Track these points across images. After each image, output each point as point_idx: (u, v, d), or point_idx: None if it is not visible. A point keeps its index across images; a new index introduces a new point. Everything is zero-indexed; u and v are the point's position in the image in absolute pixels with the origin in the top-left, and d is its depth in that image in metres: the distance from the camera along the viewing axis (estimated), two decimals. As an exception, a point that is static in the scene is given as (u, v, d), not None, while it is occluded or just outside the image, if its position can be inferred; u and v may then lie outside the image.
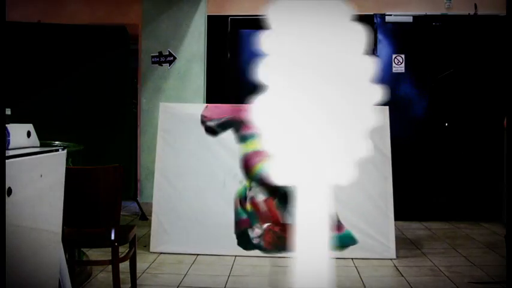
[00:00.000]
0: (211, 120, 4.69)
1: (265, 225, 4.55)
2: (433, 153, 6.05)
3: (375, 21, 6.02)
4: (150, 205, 4.99)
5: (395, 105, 5.33)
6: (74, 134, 4.93)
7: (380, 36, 6.03)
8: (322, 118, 0.67)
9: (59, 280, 2.69)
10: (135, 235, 3.50)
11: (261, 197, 4.59)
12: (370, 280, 3.89)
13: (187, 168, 4.68)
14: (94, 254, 4.22)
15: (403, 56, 6.01)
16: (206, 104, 5.48)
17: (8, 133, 2.32)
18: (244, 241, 4.54)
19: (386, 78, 5.87)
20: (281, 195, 4.58)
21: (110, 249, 3.21)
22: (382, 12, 6.09)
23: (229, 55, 6.47)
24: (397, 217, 4.75)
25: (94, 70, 5.93)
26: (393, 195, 4.54)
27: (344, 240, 4.42)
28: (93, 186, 3.24)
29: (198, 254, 4.51)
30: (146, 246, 4.67)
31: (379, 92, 0.68)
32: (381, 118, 4.47)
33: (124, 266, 3.41)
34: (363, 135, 0.68)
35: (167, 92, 6.22)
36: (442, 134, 6.06)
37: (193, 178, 4.66)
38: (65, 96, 5.84)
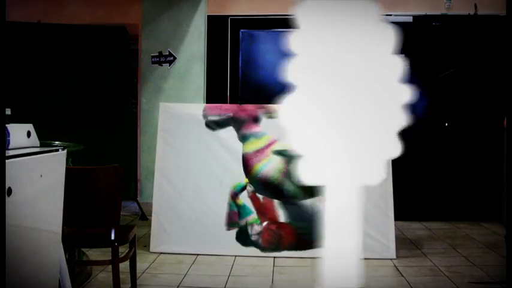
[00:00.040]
0: (212, 115, 4.69)
1: (264, 224, 4.56)
2: (433, 153, 6.05)
3: (375, 21, 6.01)
4: (150, 205, 4.99)
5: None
6: (74, 134, 4.93)
7: (380, 36, 6.02)
8: (350, 118, 0.66)
9: (59, 280, 2.69)
10: (135, 235, 3.50)
11: (260, 195, 4.59)
12: (370, 280, 3.89)
13: (187, 168, 4.68)
14: (94, 254, 4.22)
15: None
16: (206, 104, 5.49)
17: (8, 133, 2.32)
18: (243, 237, 4.55)
19: (386, 78, 5.86)
20: (280, 195, 4.58)
21: (110, 249, 3.21)
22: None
23: (229, 55, 6.47)
24: (397, 217, 4.75)
25: (94, 70, 5.93)
26: (393, 195, 4.54)
27: None
28: (93, 186, 3.24)
29: (198, 254, 4.51)
30: (146, 246, 4.67)
31: (407, 92, 0.68)
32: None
33: (124, 266, 3.41)
34: (390, 135, 0.67)
35: (167, 92, 6.21)
36: (442, 134, 6.06)
37: (193, 178, 4.66)
38: (65, 96, 5.83)
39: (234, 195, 4.60)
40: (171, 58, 6.22)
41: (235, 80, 6.41)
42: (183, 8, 6.21)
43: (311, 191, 4.55)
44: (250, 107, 4.71)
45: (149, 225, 4.78)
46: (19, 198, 2.15)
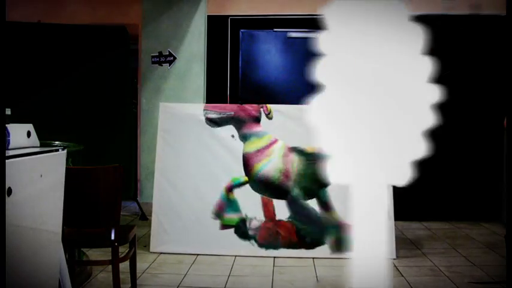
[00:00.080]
0: (213, 112, 4.70)
1: (262, 220, 4.57)
2: (432, 153, 6.04)
3: (375, 21, 6.01)
4: (150, 205, 4.99)
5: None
6: (74, 134, 4.93)
7: (380, 36, 6.03)
8: (377, 118, 0.66)
9: (59, 280, 2.69)
10: (135, 235, 3.50)
11: (259, 193, 4.60)
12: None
13: (187, 168, 4.68)
14: (94, 254, 4.22)
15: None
16: (206, 104, 5.49)
17: (8, 133, 2.32)
18: (241, 230, 4.56)
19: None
20: (279, 194, 4.58)
21: (110, 249, 3.21)
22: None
23: (229, 55, 6.47)
24: (397, 217, 4.74)
25: (94, 70, 5.93)
26: (393, 195, 4.53)
27: (348, 240, 4.43)
28: (93, 186, 3.24)
29: (198, 254, 4.51)
30: (146, 246, 4.67)
31: (436, 92, 0.67)
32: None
33: (124, 266, 3.41)
34: (417, 135, 0.67)
35: (167, 92, 6.21)
36: (442, 134, 6.05)
37: (193, 178, 4.66)
38: (65, 96, 5.83)
39: (229, 188, 4.61)
40: (171, 58, 6.22)
41: (235, 80, 6.41)
42: (183, 8, 6.21)
43: (312, 191, 4.55)
44: (250, 107, 4.71)
45: (149, 225, 4.78)
46: (19, 198, 2.15)
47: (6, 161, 2.01)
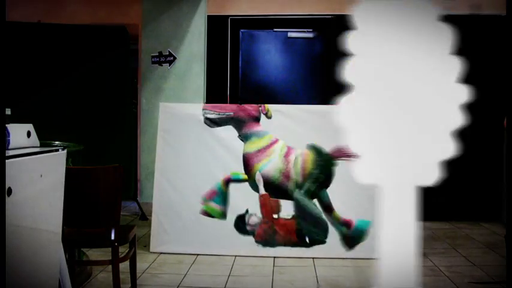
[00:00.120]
0: (213, 112, 4.70)
1: (261, 218, 4.57)
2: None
3: (375, 21, 6.01)
4: (150, 205, 4.99)
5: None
6: (74, 134, 4.92)
7: (380, 36, 6.03)
8: (407, 119, 0.66)
9: (59, 280, 2.69)
10: (135, 235, 3.50)
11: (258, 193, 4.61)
12: (370, 280, 3.88)
13: (187, 168, 4.68)
14: (94, 254, 4.22)
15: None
16: (206, 104, 5.49)
17: (8, 133, 2.32)
18: (240, 225, 4.57)
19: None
20: (278, 193, 4.58)
21: (110, 249, 3.21)
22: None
23: (229, 55, 6.47)
24: (397, 217, 4.74)
25: (94, 70, 5.93)
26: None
27: (357, 233, 4.45)
28: (93, 186, 3.24)
29: (198, 254, 4.51)
30: (146, 246, 4.67)
31: (465, 92, 0.67)
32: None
33: (124, 266, 3.41)
34: (446, 136, 0.66)
35: (167, 92, 6.21)
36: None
37: (193, 178, 4.66)
38: (65, 96, 5.83)
39: (227, 181, 4.61)
40: (171, 58, 6.22)
41: (235, 80, 6.41)
42: (183, 8, 6.21)
43: (312, 192, 4.55)
44: (250, 107, 4.71)
45: (149, 225, 4.78)
46: (19, 198, 2.15)
47: (6, 161, 2.01)
